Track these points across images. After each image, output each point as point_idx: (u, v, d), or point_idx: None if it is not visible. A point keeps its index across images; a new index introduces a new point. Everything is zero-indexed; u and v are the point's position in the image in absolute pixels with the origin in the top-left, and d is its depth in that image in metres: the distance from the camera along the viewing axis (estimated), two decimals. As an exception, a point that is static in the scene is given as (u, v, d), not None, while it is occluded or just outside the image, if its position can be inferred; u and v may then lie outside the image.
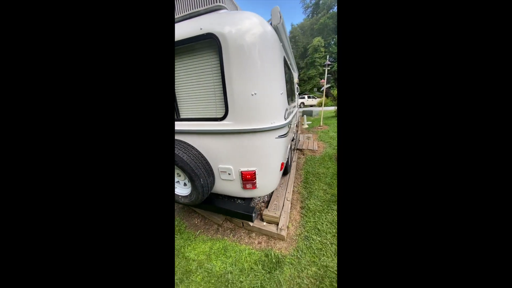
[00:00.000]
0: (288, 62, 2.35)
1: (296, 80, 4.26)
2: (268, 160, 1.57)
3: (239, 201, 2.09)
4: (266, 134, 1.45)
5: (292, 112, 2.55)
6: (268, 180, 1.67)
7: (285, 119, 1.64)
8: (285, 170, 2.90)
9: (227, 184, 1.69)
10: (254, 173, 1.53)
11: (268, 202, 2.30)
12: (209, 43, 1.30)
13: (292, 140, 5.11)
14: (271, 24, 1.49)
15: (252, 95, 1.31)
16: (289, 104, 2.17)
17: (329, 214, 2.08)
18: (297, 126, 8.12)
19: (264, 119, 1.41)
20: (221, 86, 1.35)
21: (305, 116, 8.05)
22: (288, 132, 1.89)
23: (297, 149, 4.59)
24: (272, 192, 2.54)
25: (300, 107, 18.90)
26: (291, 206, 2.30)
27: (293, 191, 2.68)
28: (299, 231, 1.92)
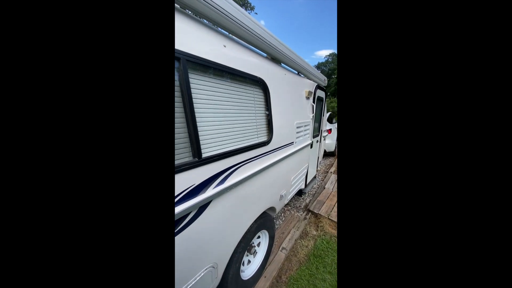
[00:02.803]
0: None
1: (305, 92, 2.19)
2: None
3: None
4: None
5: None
6: None
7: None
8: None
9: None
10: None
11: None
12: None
13: (303, 190, 2.79)
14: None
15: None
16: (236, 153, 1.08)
17: None
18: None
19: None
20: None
21: None
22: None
23: (309, 210, 2.64)
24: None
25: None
26: None
27: None
28: None
